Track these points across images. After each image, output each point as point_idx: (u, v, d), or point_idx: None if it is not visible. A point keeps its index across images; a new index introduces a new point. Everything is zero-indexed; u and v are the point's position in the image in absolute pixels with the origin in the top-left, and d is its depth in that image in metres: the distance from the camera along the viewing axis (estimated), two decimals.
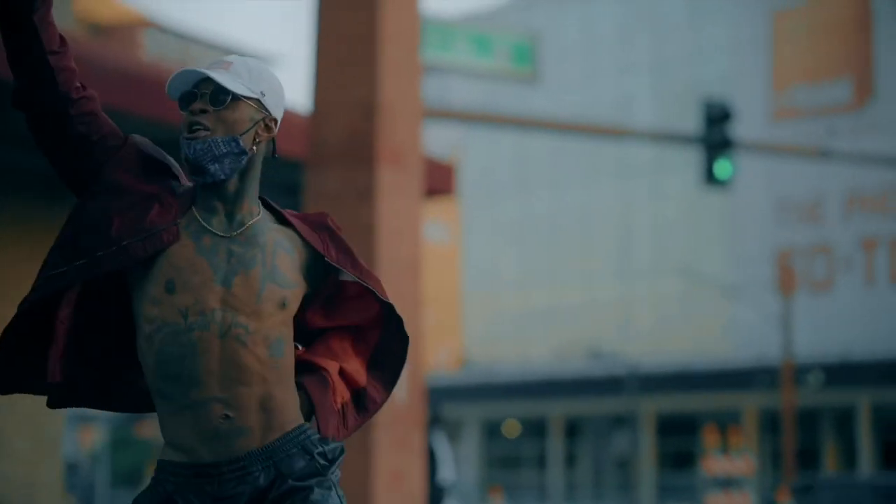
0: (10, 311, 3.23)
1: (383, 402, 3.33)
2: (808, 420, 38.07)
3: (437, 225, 47.76)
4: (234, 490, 3.08)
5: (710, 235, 43.23)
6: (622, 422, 42.63)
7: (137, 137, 3.23)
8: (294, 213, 3.30)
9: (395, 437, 11.41)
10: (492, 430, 46.61)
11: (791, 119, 40.98)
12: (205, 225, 3.12)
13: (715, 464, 31.31)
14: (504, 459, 46.50)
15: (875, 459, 37.90)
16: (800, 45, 41.54)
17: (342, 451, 3.21)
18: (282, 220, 3.23)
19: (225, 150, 3.09)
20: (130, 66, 12.83)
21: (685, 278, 41.53)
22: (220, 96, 3.10)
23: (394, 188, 11.76)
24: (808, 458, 37.85)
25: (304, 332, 3.29)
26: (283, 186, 14.20)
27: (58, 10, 11.89)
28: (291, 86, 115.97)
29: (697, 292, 42.67)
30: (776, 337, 36.33)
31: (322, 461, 3.14)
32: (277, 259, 3.14)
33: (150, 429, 69.56)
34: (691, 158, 41.35)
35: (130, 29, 39.47)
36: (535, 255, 48.05)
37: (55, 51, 3.10)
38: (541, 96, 43.59)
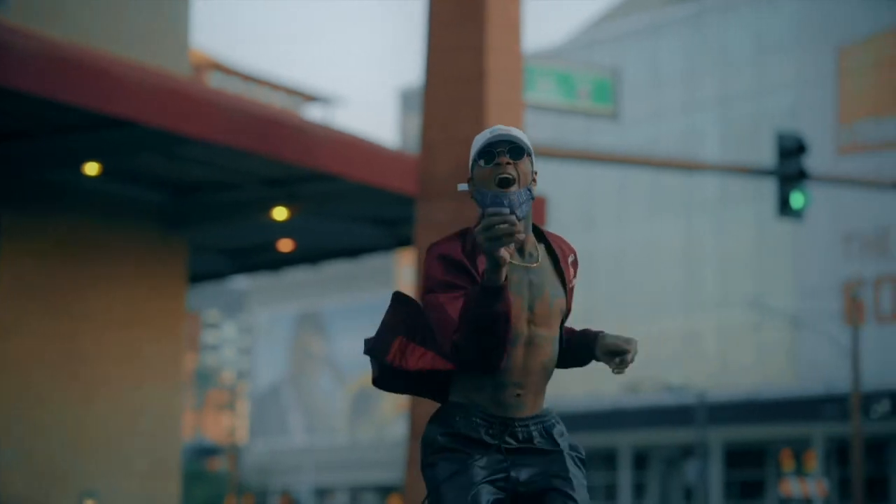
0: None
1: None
2: (876, 449, 38.30)
3: None
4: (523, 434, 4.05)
5: (776, 267, 43.51)
6: (691, 452, 42.97)
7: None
8: (554, 235, 4.17)
9: None
10: None
11: (857, 153, 41.32)
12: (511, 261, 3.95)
13: (790, 486, 31.68)
14: None
15: None
16: (865, 79, 41.90)
17: None
18: (541, 237, 4.11)
19: (525, 198, 3.95)
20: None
21: (752, 310, 41.86)
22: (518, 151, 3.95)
23: None
24: (877, 487, 38.08)
25: None
26: (392, 220, 15.00)
27: (175, 58, 12.72)
28: (356, 126, 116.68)
29: (765, 323, 42.97)
30: (843, 367, 36.66)
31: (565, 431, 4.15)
32: (556, 275, 4.07)
33: (220, 463, 70.53)
34: (757, 191, 41.70)
35: (197, 71, 40.46)
36: (600, 288, 48.48)
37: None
38: (607, 132, 44.19)
